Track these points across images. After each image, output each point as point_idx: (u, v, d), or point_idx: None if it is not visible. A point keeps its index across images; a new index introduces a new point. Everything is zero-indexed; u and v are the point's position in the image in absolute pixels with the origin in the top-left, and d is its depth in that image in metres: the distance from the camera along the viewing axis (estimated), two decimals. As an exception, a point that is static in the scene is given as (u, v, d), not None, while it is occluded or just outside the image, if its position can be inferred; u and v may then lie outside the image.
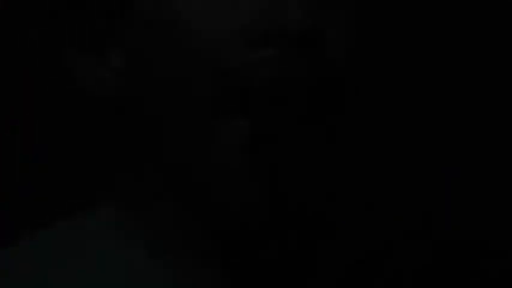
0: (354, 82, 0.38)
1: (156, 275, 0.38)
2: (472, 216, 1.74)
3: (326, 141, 0.37)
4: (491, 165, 1.40)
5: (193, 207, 0.38)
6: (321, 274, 0.50)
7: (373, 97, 0.92)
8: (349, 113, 0.40)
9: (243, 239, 0.38)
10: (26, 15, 0.92)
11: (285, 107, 0.35)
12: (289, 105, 0.35)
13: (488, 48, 1.25)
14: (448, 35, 1.19)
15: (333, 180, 0.39)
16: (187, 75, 0.35)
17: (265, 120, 0.34)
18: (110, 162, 0.43)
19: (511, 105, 1.30)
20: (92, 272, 0.38)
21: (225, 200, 0.36)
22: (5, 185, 0.93)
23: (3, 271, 0.38)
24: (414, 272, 1.95)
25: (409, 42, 1.03)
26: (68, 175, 0.80)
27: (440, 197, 1.76)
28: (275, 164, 0.35)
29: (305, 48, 0.34)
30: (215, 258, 0.38)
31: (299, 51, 0.34)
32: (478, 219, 1.65)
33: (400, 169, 1.32)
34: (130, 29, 0.37)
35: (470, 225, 1.81)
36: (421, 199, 1.54)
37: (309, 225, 0.39)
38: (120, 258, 0.38)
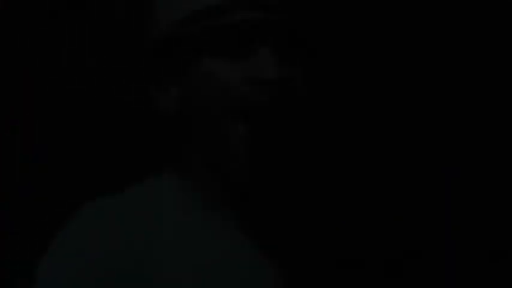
0: (309, 103, 0.71)
1: (198, 216, 0.66)
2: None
3: (292, 137, 0.69)
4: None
5: (217, 175, 0.67)
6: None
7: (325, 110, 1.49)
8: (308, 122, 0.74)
9: (244, 192, 0.68)
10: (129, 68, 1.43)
11: (268, 119, 0.64)
12: (271, 119, 0.64)
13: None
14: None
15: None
16: (216, 102, 0.65)
17: (257, 125, 0.64)
18: (174, 149, 0.73)
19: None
20: (164, 213, 0.65)
21: (234, 169, 0.64)
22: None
23: (110, 214, 0.62)
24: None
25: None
26: (146, 158, 1.27)
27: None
28: (261, 148, 0.64)
29: (280, 88, 0.65)
30: (228, 202, 0.68)
31: (277, 90, 0.65)
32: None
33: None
34: (183, 76, 0.68)
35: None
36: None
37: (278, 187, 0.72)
38: (180, 204, 0.67)
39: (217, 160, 0.67)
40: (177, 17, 0.69)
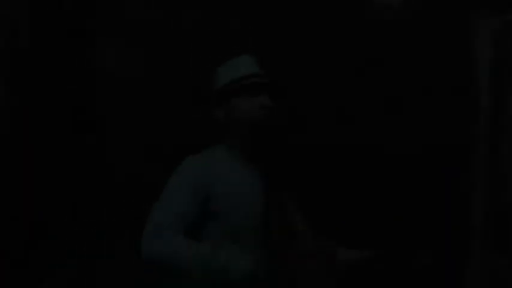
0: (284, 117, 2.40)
1: (236, 163, 1.75)
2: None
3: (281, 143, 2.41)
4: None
5: (242, 145, 1.76)
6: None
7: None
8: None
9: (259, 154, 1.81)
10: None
11: (267, 126, 1.72)
12: (269, 126, 1.72)
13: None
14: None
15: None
16: (242, 117, 1.71)
17: (261, 128, 1.72)
18: (224, 135, 1.77)
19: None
20: (219, 165, 1.72)
21: (248, 144, 1.75)
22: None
23: (196, 164, 1.69)
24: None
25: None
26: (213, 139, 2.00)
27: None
28: (263, 139, 1.75)
29: (272, 111, 1.73)
30: (248, 157, 1.77)
31: (271, 112, 1.73)
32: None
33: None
34: (227, 105, 1.74)
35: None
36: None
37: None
38: (229, 156, 1.75)
39: (241, 139, 1.68)
40: (225, 82, 1.72)
